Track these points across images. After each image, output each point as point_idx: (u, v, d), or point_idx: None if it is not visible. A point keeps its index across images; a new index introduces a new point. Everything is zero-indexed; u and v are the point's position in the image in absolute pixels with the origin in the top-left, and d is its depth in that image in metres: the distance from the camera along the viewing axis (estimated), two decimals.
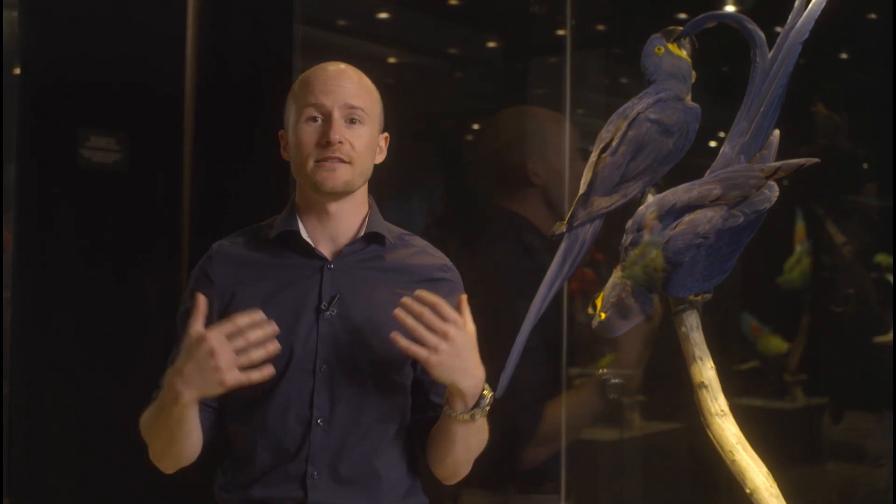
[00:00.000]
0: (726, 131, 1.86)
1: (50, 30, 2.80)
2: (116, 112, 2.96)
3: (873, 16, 2.81)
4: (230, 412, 1.80)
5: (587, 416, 2.65)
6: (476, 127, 3.52)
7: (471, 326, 1.67)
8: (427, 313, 1.62)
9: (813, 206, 2.78)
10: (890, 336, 3.06)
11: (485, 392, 1.69)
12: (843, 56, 2.81)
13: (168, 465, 1.79)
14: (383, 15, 3.17)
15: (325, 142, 1.74)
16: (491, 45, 3.39)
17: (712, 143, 1.97)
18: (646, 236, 1.84)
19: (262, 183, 2.91)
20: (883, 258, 3.06)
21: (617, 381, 2.56)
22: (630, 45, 3.31)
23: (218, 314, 1.78)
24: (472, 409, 1.69)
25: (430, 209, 3.21)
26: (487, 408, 1.70)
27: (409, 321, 1.62)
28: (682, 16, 2.90)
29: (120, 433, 2.88)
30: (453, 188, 3.25)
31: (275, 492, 1.73)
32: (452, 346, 1.63)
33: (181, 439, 1.71)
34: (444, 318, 1.63)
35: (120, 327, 2.97)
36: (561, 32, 3.15)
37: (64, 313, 2.86)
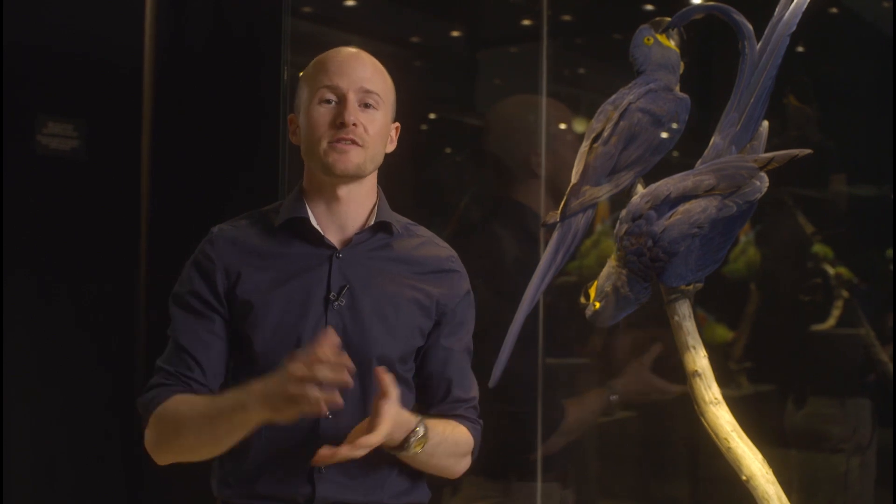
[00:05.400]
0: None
1: (4, 12, 2.71)
2: (75, 98, 2.88)
3: (834, 10, 2.87)
4: None
5: (586, 423, 2.69)
6: (433, 116, 3.51)
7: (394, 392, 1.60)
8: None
9: (782, 196, 2.83)
10: (830, 323, 3.12)
11: (416, 430, 1.66)
12: (801, 49, 2.86)
13: (171, 458, 1.73)
14: (350, 3, 3.14)
15: (339, 123, 1.71)
16: (455, 34, 3.38)
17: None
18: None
19: (226, 172, 2.86)
20: (820, 248, 3.12)
21: (614, 391, 2.62)
22: (592, 36, 3.34)
23: (225, 295, 1.74)
24: (402, 445, 1.66)
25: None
26: (418, 443, 1.66)
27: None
28: (649, 7, 2.93)
29: (82, 421, 2.85)
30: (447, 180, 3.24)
31: (282, 486, 1.70)
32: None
33: (221, 445, 1.67)
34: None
35: (77, 319, 2.90)
36: (526, 22, 3.15)
37: (19, 304, 2.77)
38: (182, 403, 1.70)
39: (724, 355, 3.38)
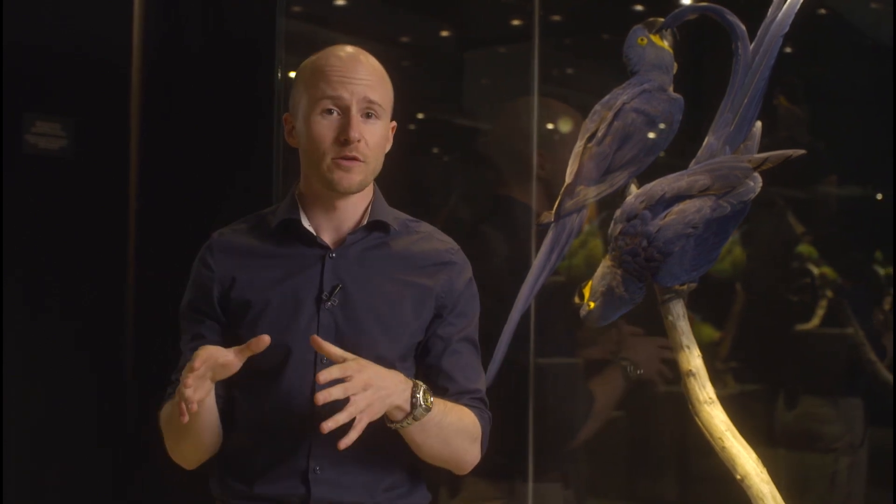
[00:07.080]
0: None
1: None
2: (64, 97, 2.86)
3: (822, 11, 2.88)
4: (233, 403, 1.76)
5: (616, 399, 2.67)
6: (421, 116, 3.51)
7: (356, 361, 1.60)
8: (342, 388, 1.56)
9: (773, 196, 2.84)
10: (814, 323, 3.13)
11: (418, 394, 1.63)
12: (789, 50, 2.87)
13: (188, 459, 1.77)
14: (341, 2, 3.14)
15: (342, 139, 1.68)
16: (444, 34, 3.38)
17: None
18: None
19: (220, 172, 2.85)
20: (805, 248, 3.13)
21: (632, 364, 2.60)
22: (582, 37, 3.34)
23: (218, 301, 1.75)
24: (413, 411, 1.63)
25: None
26: (426, 403, 1.64)
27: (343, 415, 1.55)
28: (639, 8, 2.94)
29: (77, 420, 2.83)
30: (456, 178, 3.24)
31: (277, 488, 1.69)
32: (373, 389, 1.57)
33: (198, 432, 1.70)
34: (348, 375, 1.56)
35: (66, 318, 2.88)
36: (515, 23, 3.15)
37: (9, 303, 2.75)
38: (165, 408, 1.76)
39: (710, 355, 3.39)
